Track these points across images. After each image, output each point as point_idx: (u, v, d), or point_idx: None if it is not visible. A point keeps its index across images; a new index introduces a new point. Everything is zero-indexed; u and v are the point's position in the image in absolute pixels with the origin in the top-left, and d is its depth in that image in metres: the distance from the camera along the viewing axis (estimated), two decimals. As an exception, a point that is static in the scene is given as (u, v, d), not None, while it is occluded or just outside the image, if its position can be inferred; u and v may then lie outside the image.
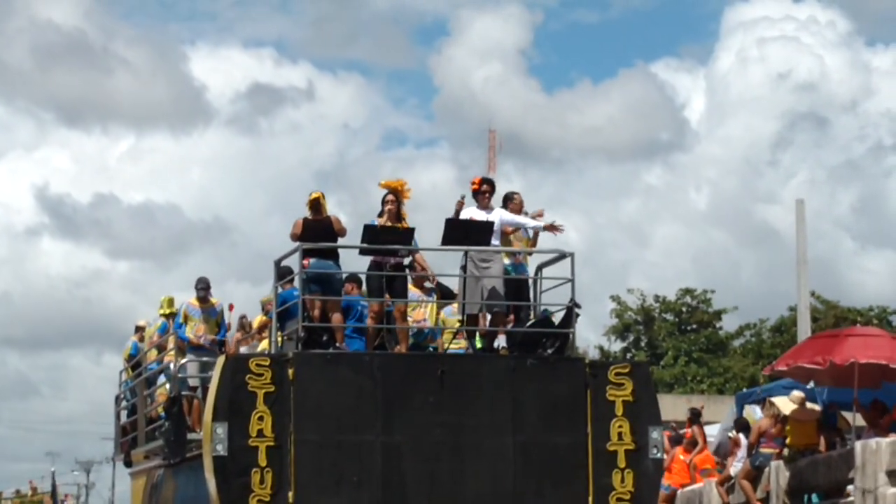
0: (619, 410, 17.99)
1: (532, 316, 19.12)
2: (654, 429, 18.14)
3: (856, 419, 23.25)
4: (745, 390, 34.28)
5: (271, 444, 17.23)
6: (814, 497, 23.07)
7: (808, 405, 23.41)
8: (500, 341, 18.53)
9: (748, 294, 69.43)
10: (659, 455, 18.26)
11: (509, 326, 18.75)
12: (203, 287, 21.65)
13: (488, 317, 18.69)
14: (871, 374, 22.74)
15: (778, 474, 22.79)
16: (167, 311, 22.99)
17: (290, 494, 17.22)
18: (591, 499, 17.88)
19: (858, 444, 20.99)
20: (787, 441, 23.01)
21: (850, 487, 21.25)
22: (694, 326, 61.40)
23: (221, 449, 17.20)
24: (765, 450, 23.38)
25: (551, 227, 19.06)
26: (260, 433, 17.22)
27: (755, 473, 23.22)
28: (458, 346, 19.11)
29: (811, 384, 24.13)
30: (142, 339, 24.26)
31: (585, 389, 17.99)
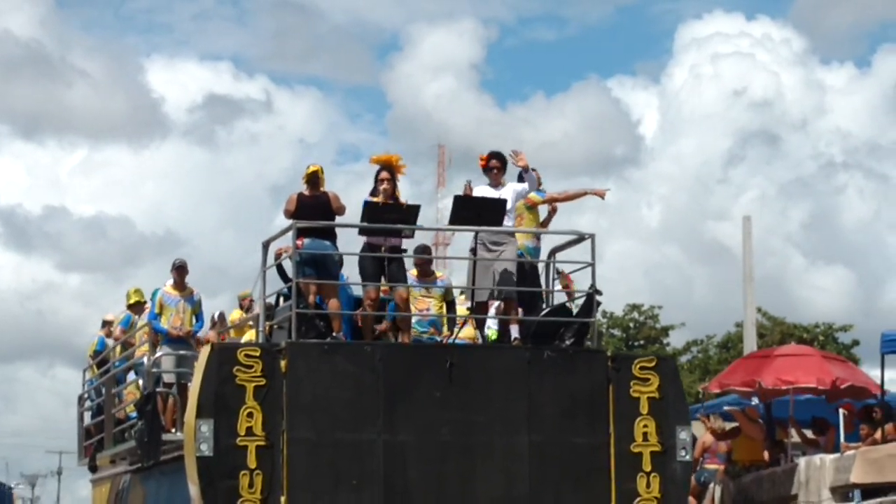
0: (645, 408, 17.00)
1: (548, 303, 18.33)
2: (683, 429, 17.22)
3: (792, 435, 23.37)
4: (690, 406, 34.56)
5: (262, 443, 16.12)
6: None
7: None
8: (514, 332, 17.54)
9: (697, 310, 69.38)
10: (688, 458, 17.34)
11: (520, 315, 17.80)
12: (179, 268, 20.50)
13: (495, 304, 17.81)
14: (807, 391, 22.97)
15: (722, 490, 22.60)
16: (132, 301, 22.19)
17: (283, 499, 16.11)
18: None
19: (802, 461, 21.16)
20: (733, 456, 23.05)
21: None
22: (641, 342, 60.62)
23: (206, 449, 16.07)
24: (709, 466, 23.13)
25: (597, 193, 18.44)
26: (249, 431, 16.09)
27: (699, 490, 22.81)
28: (467, 336, 18.22)
29: (755, 400, 24.00)
30: (109, 335, 23.28)
31: (607, 385, 17.01)
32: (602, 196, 18.68)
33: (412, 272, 18.14)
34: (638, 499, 16.73)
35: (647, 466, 16.78)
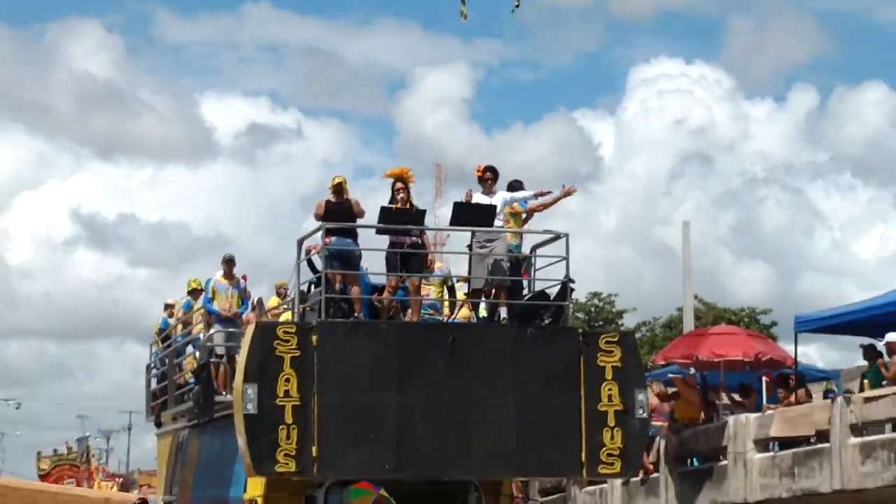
0: (609, 375, 17.04)
1: (530, 290, 18.21)
2: (640, 392, 17.29)
3: (722, 398, 24.09)
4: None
5: (297, 403, 16.19)
6: (695, 461, 23.11)
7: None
8: (502, 313, 17.63)
9: (646, 297, 69.49)
10: (644, 415, 17.42)
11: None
12: (229, 261, 20.55)
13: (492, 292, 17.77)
14: (735, 363, 23.25)
15: (667, 443, 23.02)
16: (191, 289, 21.97)
17: (314, 449, 16.18)
18: (584, 455, 16.96)
19: (731, 419, 21.40)
20: (674, 415, 23.31)
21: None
22: (601, 323, 60.92)
23: (252, 408, 16.12)
24: (655, 423, 23.21)
25: (566, 193, 18.34)
26: (286, 394, 16.18)
27: (648, 442, 22.75)
28: (464, 316, 18.26)
29: (692, 369, 24.19)
30: (171, 315, 23.23)
31: (579, 356, 17.04)
32: (572, 193, 18.58)
33: None
34: (604, 448, 16.82)
35: (612, 422, 16.86)
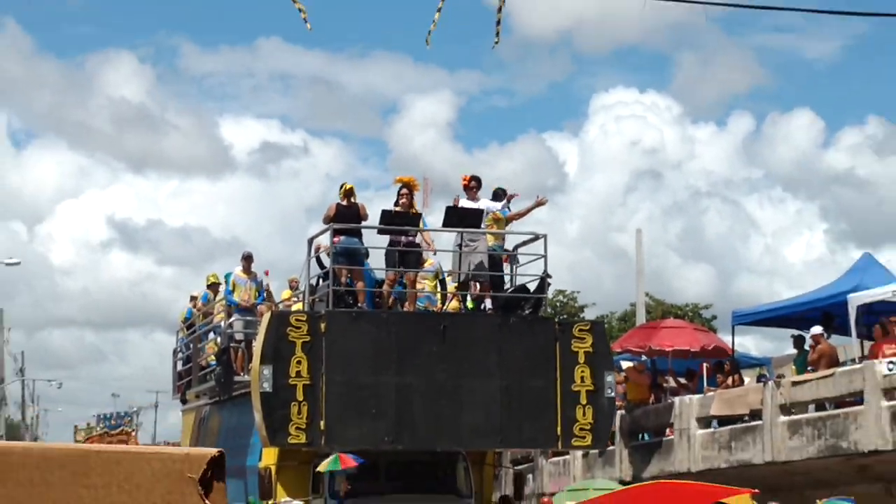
0: (581, 359, 15.92)
1: (511, 284, 16.94)
2: (609, 374, 16.24)
3: (669, 381, 23.07)
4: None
5: (307, 382, 15.14)
6: (645, 436, 22.03)
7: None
8: (488, 304, 16.57)
9: (604, 294, 67.86)
10: (612, 394, 16.34)
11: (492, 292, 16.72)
12: (247, 257, 19.08)
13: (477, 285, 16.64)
14: (682, 352, 22.56)
15: (620, 420, 21.75)
16: (210, 283, 20.66)
17: (322, 423, 15.17)
18: (559, 429, 15.90)
19: (677, 400, 20.59)
20: (627, 396, 22.12)
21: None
22: (565, 316, 59.07)
23: (267, 386, 15.13)
24: None
25: (539, 203, 17.09)
26: (298, 374, 15.15)
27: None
28: (453, 307, 17.02)
29: (644, 357, 23.39)
30: (194, 306, 21.79)
31: (555, 343, 15.94)
32: (545, 203, 17.37)
33: None
34: (576, 424, 15.78)
35: (584, 401, 15.80)
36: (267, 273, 19.32)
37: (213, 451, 1.97)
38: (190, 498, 1.98)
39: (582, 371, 15.73)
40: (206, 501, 1.95)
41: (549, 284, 16.46)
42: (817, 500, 13.53)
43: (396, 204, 16.27)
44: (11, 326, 59.73)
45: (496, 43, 11.05)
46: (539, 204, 17.24)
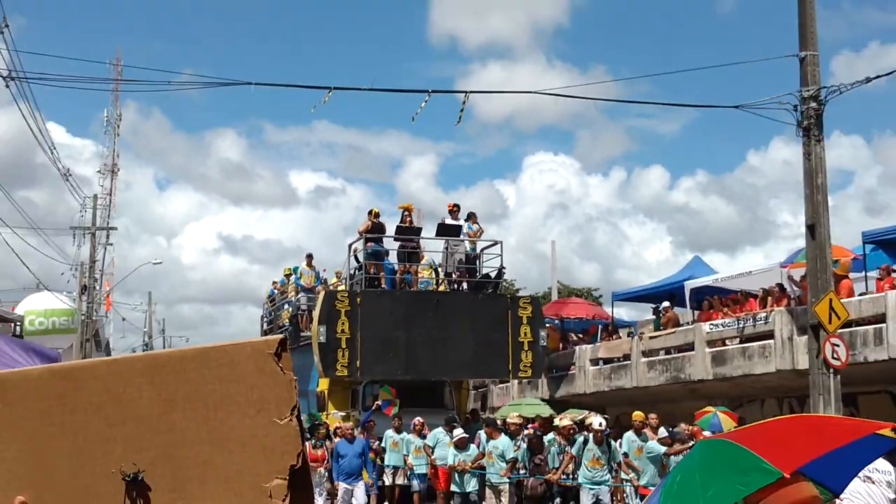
0: (525, 321, 16.70)
1: (479, 272, 17.59)
2: (542, 330, 16.89)
3: (572, 336, 22.41)
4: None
5: (348, 337, 15.77)
6: (557, 371, 21.09)
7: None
8: (465, 286, 17.17)
9: (531, 281, 69.66)
10: (545, 344, 16.93)
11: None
12: (309, 256, 20.04)
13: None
14: (582, 319, 22.40)
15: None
16: (285, 273, 21.17)
17: (358, 363, 15.78)
18: (510, 366, 16.64)
19: (577, 348, 20.31)
20: (546, 345, 21.35)
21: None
22: (508, 297, 59.26)
23: (322, 339, 15.73)
24: None
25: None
26: (342, 331, 15.77)
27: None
28: (443, 288, 17.55)
29: (557, 321, 22.96)
30: (275, 287, 22.20)
31: (508, 311, 16.70)
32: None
33: None
34: (521, 362, 16.52)
35: (526, 348, 16.61)
36: (325, 271, 20.00)
37: (279, 336, 1.85)
38: (267, 366, 1.82)
39: (525, 329, 16.57)
40: (280, 366, 1.83)
41: (503, 273, 17.18)
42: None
43: (402, 221, 16.99)
44: (157, 302, 60.87)
45: (458, 123, 11.71)
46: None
